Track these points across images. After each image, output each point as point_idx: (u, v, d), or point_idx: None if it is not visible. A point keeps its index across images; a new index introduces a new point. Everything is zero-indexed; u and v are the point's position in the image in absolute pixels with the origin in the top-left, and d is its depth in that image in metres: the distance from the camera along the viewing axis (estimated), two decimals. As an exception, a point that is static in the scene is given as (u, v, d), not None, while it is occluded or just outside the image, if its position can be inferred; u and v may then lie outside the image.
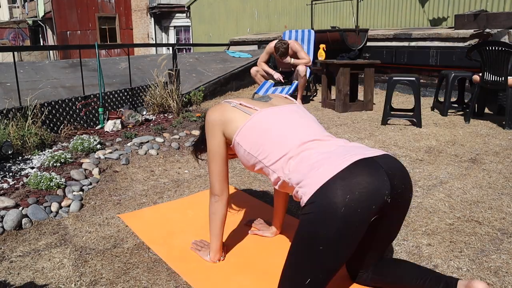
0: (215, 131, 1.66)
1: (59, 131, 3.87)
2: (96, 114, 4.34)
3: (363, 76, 5.12)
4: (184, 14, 16.29)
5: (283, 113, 1.63)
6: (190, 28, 13.86)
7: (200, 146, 1.97)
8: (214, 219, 1.75)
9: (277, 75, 5.51)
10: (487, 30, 5.04)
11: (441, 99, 4.91)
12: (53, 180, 2.54)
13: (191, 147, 2.07)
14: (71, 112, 4.10)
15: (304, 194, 1.35)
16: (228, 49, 9.10)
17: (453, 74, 4.50)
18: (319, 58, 5.69)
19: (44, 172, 2.65)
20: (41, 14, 20.39)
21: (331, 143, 1.50)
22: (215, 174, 1.70)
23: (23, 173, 2.81)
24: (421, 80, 5.70)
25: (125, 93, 4.76)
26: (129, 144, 3.48)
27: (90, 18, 18.93)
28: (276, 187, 1.55)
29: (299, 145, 1.49)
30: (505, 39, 4.82)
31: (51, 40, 20.30)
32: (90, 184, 2.73)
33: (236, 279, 1.69)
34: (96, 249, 1.95)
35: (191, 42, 15.03)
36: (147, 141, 3.56)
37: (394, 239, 1.55)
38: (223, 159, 1.69)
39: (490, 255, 1.81)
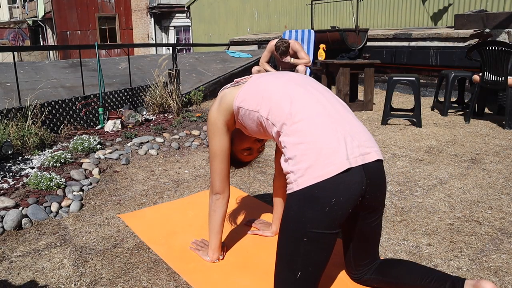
0: (216, 127, 1.65)
1: (59, 131, 3.87)
2: (96, 114, 4.34)
3: (363, 76, 5.12)
4: (184, 14, 16.31)
5: (280, 74, 1.62)
6: (190, 28, 13.86)
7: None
8: (214, 217, 1.75)
9: None
10: (487, 30, 5.04)
11: (441, 99, 4.91)
12: (53, 180, 2.54)
13: None
14: (71, 112, 4.10)
15: (295, 181, 1.36)
16: (228, 49, 9.10)
17: (453, 74, 4.50)
18: (319, 58, 5.69)
19: (44, 172, 2.65)
20: (41, 14, 20.40)
21: (334, 120, 1.42)
22: (217, 172, 1.70)
23: (23, 173, 2.81)
24: (421, 80, 5.70)
25: (125, 93, 4.76)
26: (129, 144, 3.48)
27: (90, 18, 18.94)
28: (277, 141, 1.50)
29: (300, 104, 1.45)
30: (505, 39, 4.83)
31: (51, 40, 20.30)
32: (90, 184, 2.73)
33: (236, 279, 1.69)
34: (96, 249, 1.95)
35: (191, 42, 15.03)
36: (147, 141, 3.56)
37: (380, 234, 1.56)
38: (225, 157, 1.69)
39: (490, 255, 1.81)
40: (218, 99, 1.68)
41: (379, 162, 1.43)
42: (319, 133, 1.38)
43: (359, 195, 1.36)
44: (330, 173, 1.32)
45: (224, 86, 1.73)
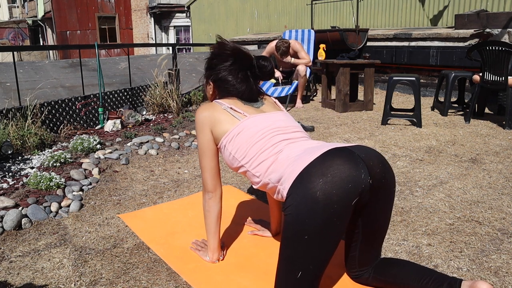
0: (204, 128, 1.68)
1: (59, 131, 3.87)
2: (96, 114, 4.34)
3: (363, 76, 5.12)
4: (184, 14, 16.30)
5: (270, 121, 1.66)
6: (190, 28, 13.86)
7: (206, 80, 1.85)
8: (209, 217, 1.74)
9: (278, 74, 5.51)
10: (487, 30, 5.04)
11: (441, 99, 4.91)
12: (53, 180, 2.54)
13: (202, 86, 2.12)
14: (71, 112, 4.09)
15: (284, 189, 1.42)
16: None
17: (453, 74, 4.50)
18: (319, 58, 5.69)
19: (44, 172, 2.64)
20: (41, 14, 20.41)
21: (309, 143, 1.56)
22: (207, 169, 1.71)
23: (22, 173, 2.81)
24: (421, 80, 5.70)
25: (125, 93, 4.76)
26: (129, 144, 3.48)
27: (90, 18, 18.95)
28: (256, 187, 1.63)
29: (280, 150, 1.55)
30: (505, 39, 4.82)
31: (51, 40, 20.30)
32: (90, 184, 2.73)
33: (236, 279, 1.68)
34: (96, 249, 1.95)
35: (191, 42, 15.03)
36: (147, 141, 3.56)
37: (385, 234, 1.55)
38: (214, 155, 1.71)
39: (490, 255, 1.81)
40: (211, 106, 1.70)
41: (367, 146, 1.47)
42: (298, 151, 1.50)
43: (356, 169, 1.31)
44: (310, 159, 1.37)
45: (220, 101, 1.72)
